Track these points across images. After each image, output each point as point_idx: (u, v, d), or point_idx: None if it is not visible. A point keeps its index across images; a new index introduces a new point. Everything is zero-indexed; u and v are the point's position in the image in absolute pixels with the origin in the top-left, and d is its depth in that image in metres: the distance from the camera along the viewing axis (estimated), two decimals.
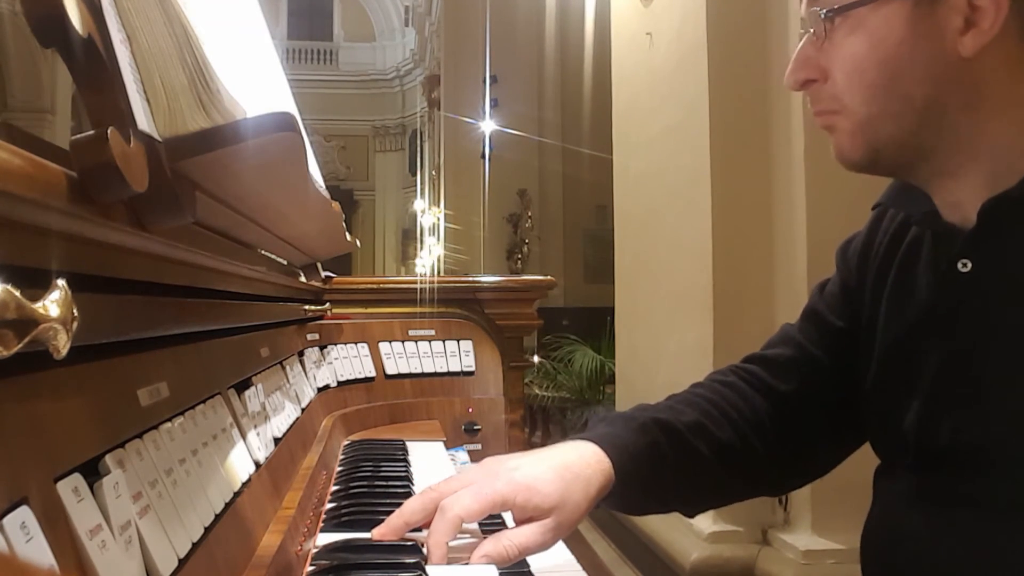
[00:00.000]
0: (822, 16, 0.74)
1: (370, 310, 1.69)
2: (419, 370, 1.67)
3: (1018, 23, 0.69)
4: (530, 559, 0.79)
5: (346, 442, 1.37)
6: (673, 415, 0.89)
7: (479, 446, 1.65)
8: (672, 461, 0.86)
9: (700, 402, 0.92)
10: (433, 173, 14.73)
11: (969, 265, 0.74)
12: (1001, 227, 0.72)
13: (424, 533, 0.78)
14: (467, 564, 0.74)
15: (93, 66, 0.42)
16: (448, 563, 0.74)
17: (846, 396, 0.90)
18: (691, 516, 0.96)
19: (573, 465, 0.79)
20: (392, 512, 0.80)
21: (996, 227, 0.72)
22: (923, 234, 0.82)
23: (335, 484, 1.07)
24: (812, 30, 0.76)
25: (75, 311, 0.36)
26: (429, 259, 14.67)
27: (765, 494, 1.01)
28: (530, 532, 0.75)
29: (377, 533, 0.78)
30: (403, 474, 1.13)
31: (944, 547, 0.75)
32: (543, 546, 0.76)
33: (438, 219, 12.92)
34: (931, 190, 0.79)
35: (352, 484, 1.05)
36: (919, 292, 0.81)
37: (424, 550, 0.76)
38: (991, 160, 0.73)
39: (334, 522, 0.89)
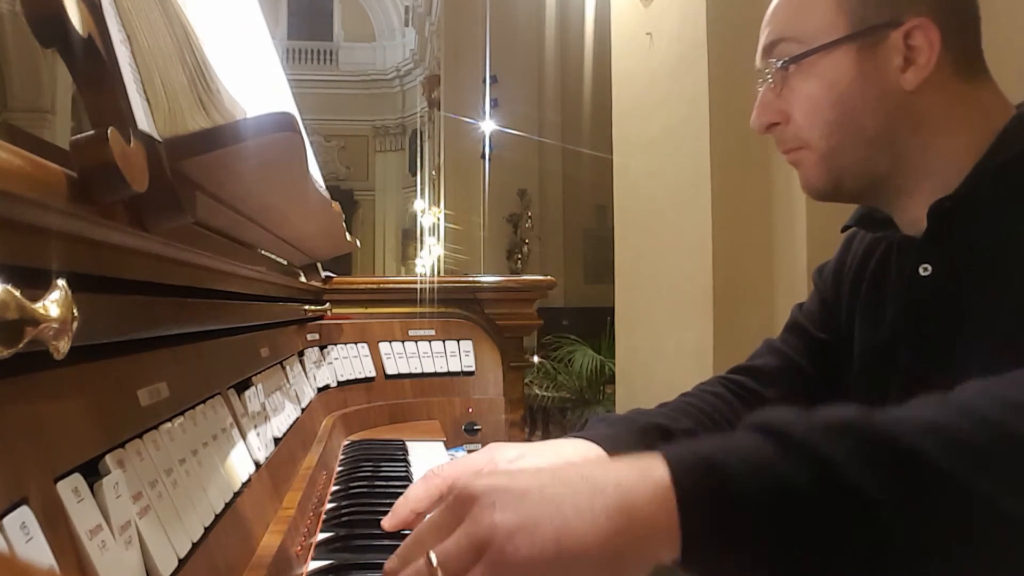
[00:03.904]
0: (778, 66, 0.82)
1: (370, 310, 1.69)
2: (419, 370, 1.67)
3: (950, 56, 0.78)
4: None
5: (346, 442, 1.37)
6: (670, 421, 0.91)
7: (479, 446, 1.64)
8: None
9: (692, 411, 0.94)
10: (433, 173, 14.72)
11: (930, 269, 0.81)
12: (949, 228, 0.79)
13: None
14: None
15: (93, 66, 0.42)
16: None
17: (830, 404, 0.93)
18: None
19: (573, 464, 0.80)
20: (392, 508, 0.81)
21: (945, 228, 0.79)
22: (890, 249, 0.88)
23: (335, 484, 1.07)
24: (770, 79, 0.84)
25: (75, 311, 0.36)
26: (429, 259, 14.65)
27: None
28: None
29: (388, 524, 0.79)
30: (403, 474, 1.13)
31: None
32: None
33: (438, 219, 12.91)
34: (891, 210, 0.86)
35: (352, 484, 1.05)
36: (889, 300, 0.87)
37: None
38: (938, 176, 0.80)
39: (334, 522, 0.89)
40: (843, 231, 0.98)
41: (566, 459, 0.81)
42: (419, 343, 1.69)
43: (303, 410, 1.13)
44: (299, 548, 0.76)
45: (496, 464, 0.79)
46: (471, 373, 1.70)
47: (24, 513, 0.34)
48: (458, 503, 0.49)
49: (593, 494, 0.47)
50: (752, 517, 0.45)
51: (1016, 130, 0.77)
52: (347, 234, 1.45)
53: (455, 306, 1.73)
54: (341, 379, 1.53)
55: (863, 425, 0.49)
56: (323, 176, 1.30)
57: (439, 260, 12.92)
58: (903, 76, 0.78)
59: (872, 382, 0.88)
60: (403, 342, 1.67)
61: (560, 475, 0.50)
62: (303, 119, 0.77)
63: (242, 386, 0.81)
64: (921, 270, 0.81)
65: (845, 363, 0.93)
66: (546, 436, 5.79)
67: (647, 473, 0.48)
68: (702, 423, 0.92)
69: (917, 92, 0.78)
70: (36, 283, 0.35)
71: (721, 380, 1.01)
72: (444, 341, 1.70)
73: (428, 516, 0.52)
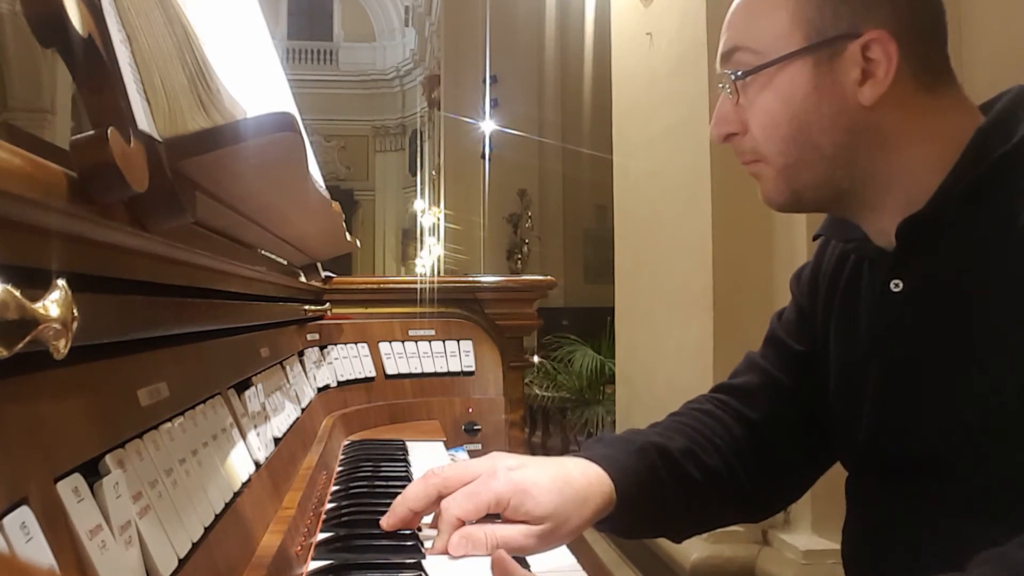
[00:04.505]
0: (733, 78, 0.80)
1: (370, 310, 1.69)
2: (419, 370, 1.67)
3: (911, 69, 0.76)
4: (530, 560, 0.80)
5: (346, 442, 1.37)
6: (666, 440, 0.91)
7: (479, 446, 1.65)
8: (669, 486, 0.88)
9: (686, 429, 0.95)
10: (433, 173, 14.73)
11: (901, 284, 0.80)
12: (918, 245, 0.77)
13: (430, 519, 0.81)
14: (455, 555, 0.76)
15: (93, 66, 0.42)
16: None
17: (812, 416, 0.95)
18: (678, 541, 0.98)
19: (574, 481, 0.80)
20: (390, 507, 0.81)
21: (914, 246, 0.77)
22: (863, 259, 0.87)
23: (335, 484, 1.07)
24: (728, 88, 0.82)
25: (75, 311, 0.36)
26: (429, 259, 14.66)
27: (749, 520, 1.03)
28: (514, 532, 0.76)
29: (386, 523, 0.79)
30: (403, 474, 1.13)
31: (906, 543, 0.80)
32: (524, 549, 0.77)
33: (438, 219, 12.91)
34: (859, 221, 0.84)
35: (352, 484, 1.05)
36: (861, 313, 0.86)
37: (424, 544, 0.78)
38: (903, 189, 0.78)
39: (334, 522, 0.89)
40: (815, 239, 0.96)
41: (567, 471, 0.81)
42: (419, 343, 1.69)
43: (303, 410, 1.13)
44: (299, 548, 0.76)
45: (496, 470, 0.79)
46: (471, 373, 1.70)
47: (24, 513, 0.34)
48: None
49: None
50: None
51: (980, 145, 0.75)
52: (347, 234, 1.45)
53: (455, 306, 1.73)
54: (341, 379, 1.53)
55: None
56: (323, 176, 1.30)
57: (439, 260, 12.92)
58: (860, 90, 0.76)
59: (848, 395, 0.87)
60: (403, 342, 1.67)
61: None
62: (303, 119, 0.77)
63: (242, 386, 0.81)
64: (892, 286, 0.80)
65: (823, 375, 0.92)
66: (546, 436, 5.80)
67: None
68: (696, 441, 0.92)
69: (875, 107, 0.76)
70: (36, 283, 0.35)
71: (708, 398, 1.01)
72: (444, 341, 1.70)
73: None
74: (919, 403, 0.78)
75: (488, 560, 0.74)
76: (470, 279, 1.81)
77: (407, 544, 0.79)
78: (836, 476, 0.99)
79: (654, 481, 0.87)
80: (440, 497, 0.78)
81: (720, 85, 0.83)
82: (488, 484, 0.77)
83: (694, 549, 2.76)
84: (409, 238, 20.20)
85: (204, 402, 0.65)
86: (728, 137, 0.84)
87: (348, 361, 1.57)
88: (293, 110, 1.06)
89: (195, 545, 0.52)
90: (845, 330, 0.88)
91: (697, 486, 0.90)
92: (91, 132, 0.39)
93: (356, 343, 1.61)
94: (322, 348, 1.49)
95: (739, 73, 0.80)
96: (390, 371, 1.65)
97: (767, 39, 0.79)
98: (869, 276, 0.86)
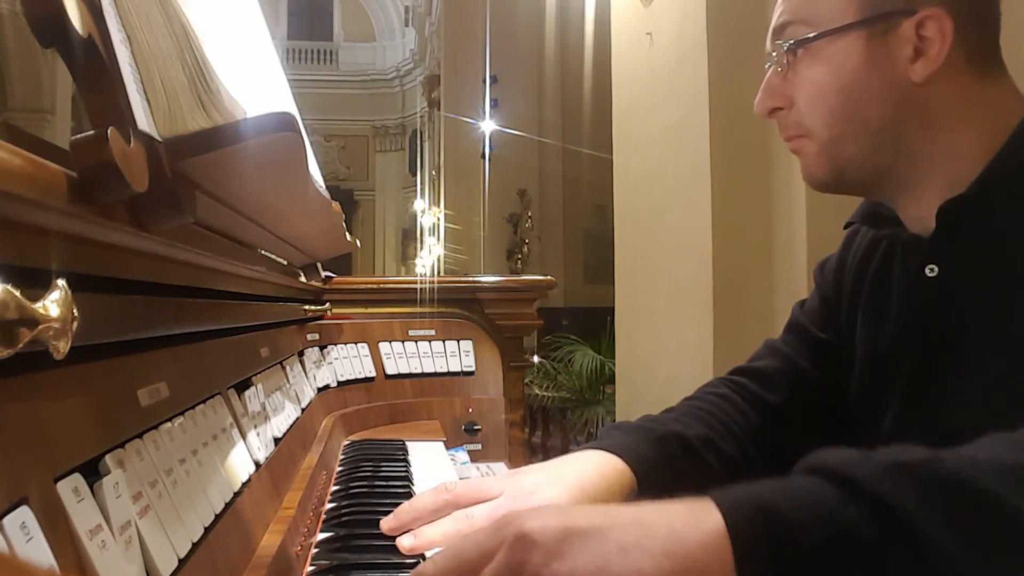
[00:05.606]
0: (785, 48, 0.80)
1: (370, 310, 1.69)
2: (419, 370, 1.67)
3: (964, 51, 0.76)
4: None
5: (346, 442, 1.37)
6: (684, 428, 0.89)
7: (479, 446, 1.65)
8: (688, 476, 0.87)
9: (703, 415, 0.93)
10: (433, 173, 14.72)
11: (936, 270, 0.79)
12: (958, 228, 0.77)
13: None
14: None
15: (93, 66, 0.42)
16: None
17: (832, 406, 0.94)
18: None
19: (590, 487, 0.78)
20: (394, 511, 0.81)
21: (954, 228, 0.77)
22: (894, 248, 0.86)
23: (335, 484, 1.07)
24: (777, 62, 0.82)
25: (75, 311, 0.36)
26: (429, 259, 14.66)
27: None
28: None
29: (386, 526, 0.78)
30: (403, 474, 1.13)
31: None
32: None
33: (438, 219, 12.91)
34: (895, 206, 0.84)
35: (352, 484, 1.05)
36: (892, 301, 0.85)
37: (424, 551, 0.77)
38: (945, 174, 0.78)
39: (334, 522, 0.89)
40: (846, 227, 0.96)
41: (582, 476, 0.79)
42: (419, 343, 1.69)
43: (303, 410, 1.13)
44: (299, 548, 0.76)
45: (516, 496, 0.76)
46: (471, 373, 1.70)
47: (24, 513, 0.34)
48: (514, 541, 0.47)
49: (643, 537, 0.45)
50: (813, 569, 0.43)
51: None
52: (347, 234, 1.45)
53: (455, 306, 1.73)
54: (341, 379, 1.53)
55: (931, 466, 0.46)
56: (323, 176, 1.30)
57: (439, 260, 12.92)
58: (912, 67, 0.76)
59: (875, 384, 0.86)
60: (403, 342, 1.67)
61: (611, 515, 0.48)
62: (303, 119, 0.77)
63: (242, 386, 0.81)
64: (927, 271, 0.79)
65: (847, 363, 0.91)
66: (546, 436, 5.79)
67: (699, 519, 0.46)
68: (714, 428, 0.91)
69: (925, 85, 0.76)
70: (36, 283, 0.35)
71: (724, 381, 0.99)
72: (444, 341, 1.70)
73: (473, 534, 0.50)
74: (953, 387, 0.77)
75: None
76: (470, 279, 1.81)
77: None
78: None
79: (673, 471, 0.85)
80: (448, 511, 0.78)
81: (767, 64, 0.83)
82: (509, 508, 0.74)
83: None
84: (409, 238, 20.19)
85: (204, 402, 0.65)
86: (773, 112, 0.84)
87: (348, 361, 1.57)
88: (293, 110, 1.06)
89: (195, 545, 0.52)
90: (874, 318, 0.87)
91: (713, 474, 0.89)
92: (91, 132, 0.39)
93: (356, 343, 1.61)
94: (322, 348, 1.49)
95: (791, 43, 0.80)
96: (390, 371, 1.65)
97: (822, 13, 0.79)
98: (901, 263, 0.85)
